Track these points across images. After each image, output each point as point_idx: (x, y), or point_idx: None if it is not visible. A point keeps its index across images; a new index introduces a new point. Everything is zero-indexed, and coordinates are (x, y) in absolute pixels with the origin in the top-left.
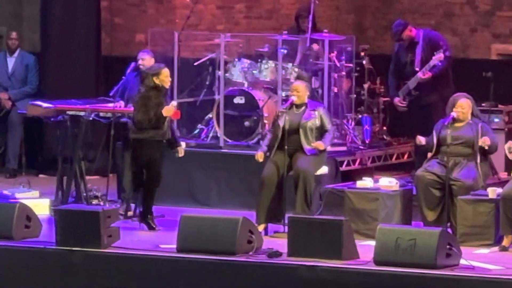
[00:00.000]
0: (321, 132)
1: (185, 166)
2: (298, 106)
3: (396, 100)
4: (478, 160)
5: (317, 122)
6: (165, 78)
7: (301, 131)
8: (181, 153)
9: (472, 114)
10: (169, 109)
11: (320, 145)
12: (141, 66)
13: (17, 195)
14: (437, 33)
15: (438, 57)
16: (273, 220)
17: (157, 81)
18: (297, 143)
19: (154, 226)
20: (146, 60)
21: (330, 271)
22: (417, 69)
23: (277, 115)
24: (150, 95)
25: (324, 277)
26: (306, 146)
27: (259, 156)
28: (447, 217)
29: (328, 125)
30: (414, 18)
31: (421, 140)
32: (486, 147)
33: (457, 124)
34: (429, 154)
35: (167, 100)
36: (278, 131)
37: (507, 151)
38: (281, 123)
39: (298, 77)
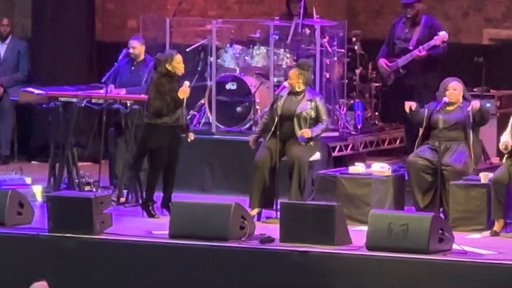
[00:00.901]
0: (316, 122)
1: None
2: (296, 94)
3: (382, 61)
4: (471, 142)
5: (312, 113)
6: (177, 64)
7: (295, 119)
8: (191, 138)
9: (464, 98)
10: (185, 90)
11: (306, 132)
12: (132, 54)
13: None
14: (438, 23)
15: (442, 37)
16: (266, 206)
17: (169, 68)
18: (291, 130)
19: (153, 214)
20: (137, 48)
21: (322, 257)
22: (410, 47)
23: (275, 98)
24: (163, 81)
25: (316, 263)
26: (299, 135)
27: (252, 143)
28: (439, 202)
29: (323, 117)
30: None
31: (412, 104)
32: (476, 110)
33: (448, 108)
34: (420, 131)
35: (179, 85)
36: (275, 115)
37: (503, 147)
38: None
39: (298, 65)
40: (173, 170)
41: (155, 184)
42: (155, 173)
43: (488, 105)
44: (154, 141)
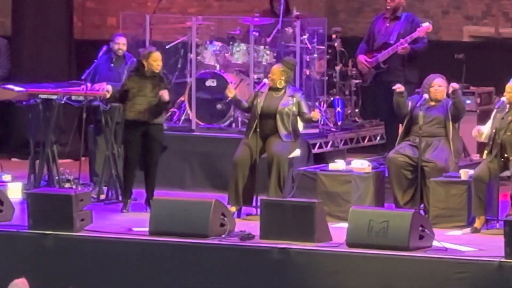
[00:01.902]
0: (297, 118)
1: None
2: (277, 90)
3: (361, 57)
4: (450, 137)
5: (294, 109)
6: (153, 62)
7: (278, 116)
8: (163, 96)
9: (446, 95)
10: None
11: (316, 113)
12: (119, 51)
13: None
14: (420, 20)
15: (425, 28)
16: (246, 203)
17: (145, 63)
18: (272, 127)
19: (123, 208)
20: (125, 45)
21: (302, 254)
22: (391, 41)
23: (255, 95)
24: (132, 74)
25: (296, 260)
26: (282, 132)
27: (230, 90)
28: (420, 199)
29: (305, 111)
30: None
31: (400, 87)
32: (451, 90)
33: (430, 103)
34: (401, 128)
35: (159, 84)
36: (256, 112)
37: (475, 134)
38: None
39: (283, 61)
40: (151, 169)
41: (127, 179)
42: (124, 168)
43: (468, 101)
44: (122, 136)
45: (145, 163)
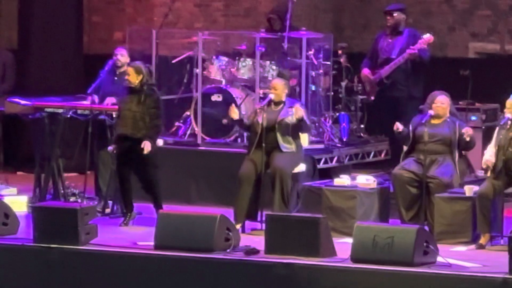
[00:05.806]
0: (297, 129)
1: (163, 164)
2: (276, 104)
3: (365, 70)
4: (456, 158)
5: (294, 119)
6: (127, 76)
7: (277, 128)
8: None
9: (450, 112)
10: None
11: (299, 109)
12: (118, 62)
13: None
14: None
15: (427, 40)
16: (251, 218)
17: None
18: (275, 140)
19: (122, 221)
20: (124, 56)
21: (307, 269)
22: (393, 57)
23: (255, 112)
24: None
25: (301, 275)
26: (282, 143)
27: (233, 111)
28: (425, 215)
29: (304, 118)
30: None
31: (398, 126)
32: (468, 138)
33: (434, 121)
34: (405, 147)
35: (145, 100)
36: (258, 128)
37: (484, 166)
38: (260, 120)
39: (278, 75)
40: (148, 185)
41: (123, 193)
42: (119, 183)
43: (473, 118)
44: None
45: (143, 180)
